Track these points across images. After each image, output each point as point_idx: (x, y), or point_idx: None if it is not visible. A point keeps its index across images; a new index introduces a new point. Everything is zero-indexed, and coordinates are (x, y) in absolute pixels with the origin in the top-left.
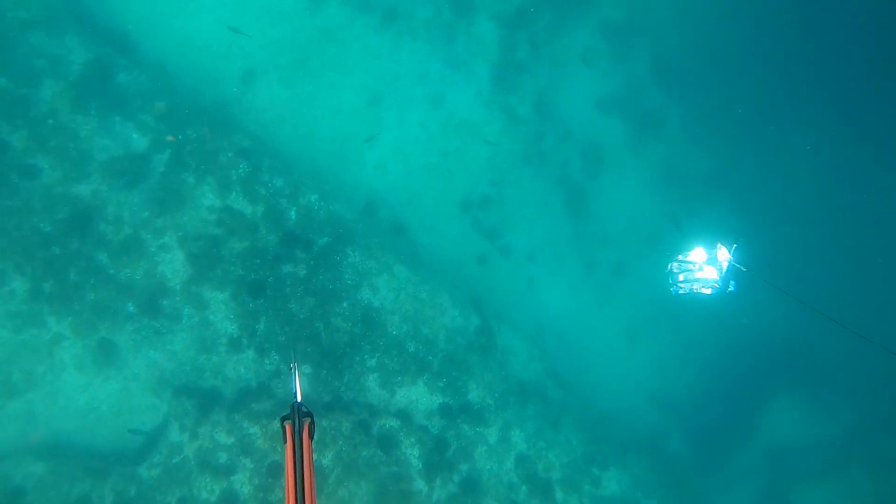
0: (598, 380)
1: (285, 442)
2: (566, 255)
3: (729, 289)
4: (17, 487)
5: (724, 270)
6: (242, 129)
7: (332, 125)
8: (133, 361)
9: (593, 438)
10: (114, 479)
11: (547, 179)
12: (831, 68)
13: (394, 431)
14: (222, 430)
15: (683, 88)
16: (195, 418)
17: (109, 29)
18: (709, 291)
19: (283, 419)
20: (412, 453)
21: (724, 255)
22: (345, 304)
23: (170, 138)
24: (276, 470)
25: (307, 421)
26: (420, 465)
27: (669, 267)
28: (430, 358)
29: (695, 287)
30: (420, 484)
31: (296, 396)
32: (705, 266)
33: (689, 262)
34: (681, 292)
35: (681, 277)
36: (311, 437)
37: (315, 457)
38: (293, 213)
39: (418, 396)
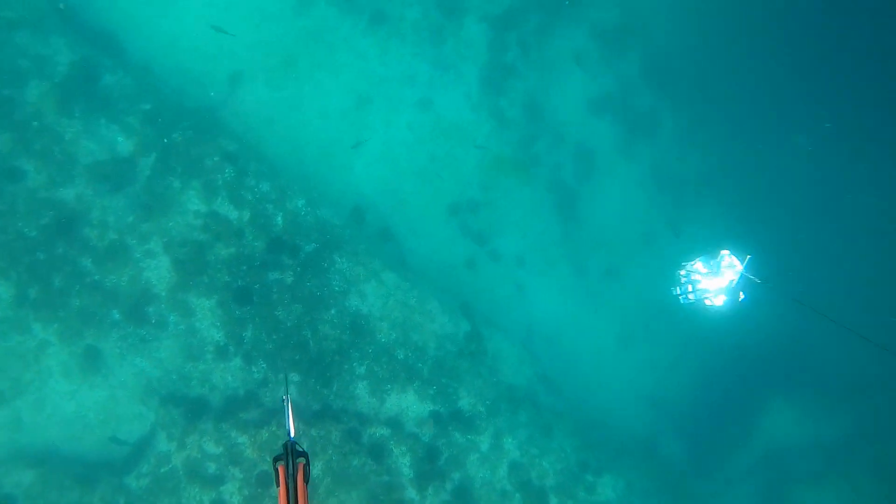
0: (591, 384)
1: (277, 486)
2: (556, 259)
3: (740, 299)
4: (6, 495)
5: (736, 281)
6: (229, 133)
7: (319, 128)
8: (119, 369)
9: (587, 444)
10: (102, 489)
11: (537, 183)
12: (825, 68)
13: (384, 440)
14: (210, 439)
15: (675, 91)
16: (183, 427)
17: (95, 29)
18: (720, 302)
19: (276, 460)
20: (403, 462)
21: (732, 263)
22: (333, 312)
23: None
24: (265, 480)
25: (301, 462)
26: (411, 474)
27: (678, 274)
28: (420, 365)
29: (705, 298)
30: (412, 493)
31: (289, 433)
32: (713, 275)
33: (697, 271)
34: (690, 301)
35: (690, 287)
36: (305, 480)
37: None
38: (280, 218)
39: (409, 404)
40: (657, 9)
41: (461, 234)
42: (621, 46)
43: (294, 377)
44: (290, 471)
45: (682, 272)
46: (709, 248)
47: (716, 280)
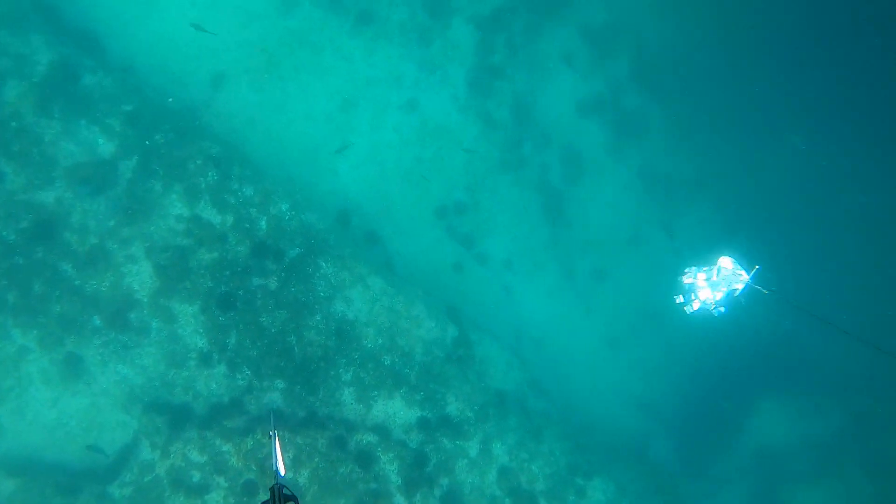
0: (580, 387)
1: None
2: (544, 262)
3: (741, 301)
4: None
5: (739, 291)
6: (212, 135)
7: (303, 131)
8: (101, 376)
9: (577, 447)
10: (85, 498)
11: (525, 185)
12: (815, 67)
13: (371, 447)
14: (194, 447)
15: (664, 92)
16: (166, 435)
17: (76, 28)
18: (722, 309)
19: None
20: (391, 469)
21: (737, 273)
22: (318, 317)
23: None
24: (250, 488)
25: None
26: (399, 481)
27: (679, 280)
28: (407, 371)
29: (708, 307)
30: (400, 500)
31: (277, 474)
32: (715, 283)
33: (698, 279)
34: (694, 310)
35: (693, 296)
36: None
37: (290, 475)
38: (263, 222)
39: (396, 410)
40: (646, 10)
41: (448, 237)
42: (610, 47)
43: (279, 384)
44: None
45: (685, 280)
46: (708, 253)
47: (718, 288)
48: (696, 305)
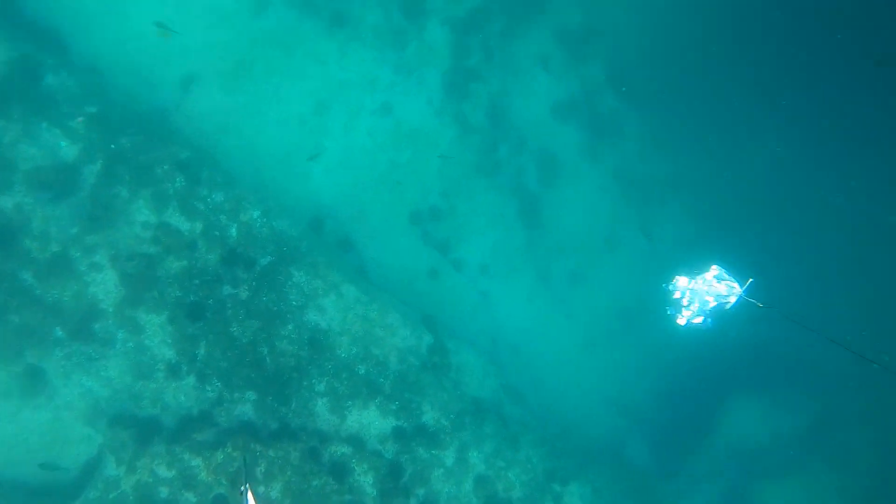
0: (557, 392)
1: None
2: (521, 267)
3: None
4: None
5: (732, 305)
6: (181, 139)
7: (276, 135)
8: (64, 389)
9: (553, 453)
10: None
11: (501, 189)
12: (792, 70)
13: (346, 458)
14: (162, 462)
15: (639, 94)
16: (133, 450)
17: (37, 25)
18: (709, 321)
19: None
20: (366, 480)
21: (731, 287)
22: (290, 327)
23: None
24: None
25: None
26: (374, 493)
27: (668, 291)
28: (382, 380)
29: (697, 317)
30: None
31: None
32: (704, 294)
33: (686, 289)
34: (683, 322)
35: (684, 309)
36: None
37: (262, 490)
38: (234, 230)
39: (370, 420)
40: (621, 12)
41: (423, 242)
42: (585, 50)
43: (250, 395)
44: None
45: (674, 292)
46: (685, 256)
47: (706, 300)
48: (685, 316)
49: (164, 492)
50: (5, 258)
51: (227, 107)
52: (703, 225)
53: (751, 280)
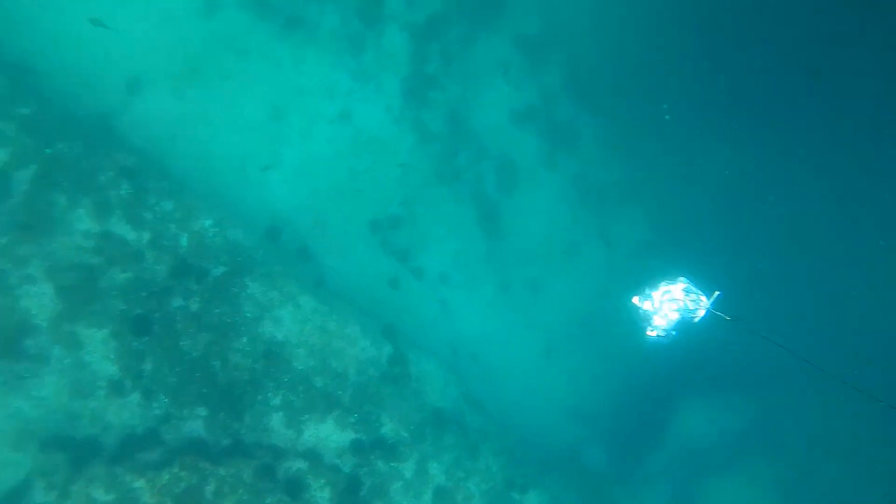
0: (517, 400)
1: None
2: (481, 275)
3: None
4: None
5: (700, 318)
6: (126, 145)
7: (230, 142)
8: None
9: (513, 462)
10: None
11: (461, 197)
12: (745, 77)
13: (301, 474)
14: (100, 485)
15: (596, 101)
16: (66, 474)
17: None
18: (674, 333)
19: None
20: (322, 496)
21: (698, 300)
22: (244, 340)
23: None
24: None
25: None
26: None
27: (636, 305)
28: (340, 392)
29: (665, 332)
30: None
31: None
32: (669, 308)
33: (655, 301)
34: (659, 336)
35: (650, 322)
36: None
37: None
38: (184, 239)
39: (328, 434)
40: (577, 20)
41: (383, 251)
42: (543, 57)
43: (201, 411)
44: None
45: (642, 305)
46: (662, 274)
47: (671, 313)
48: (655, 329)
49: None
50: None
51: (177, 112)
52: (662, 230)
53: (718, 293)
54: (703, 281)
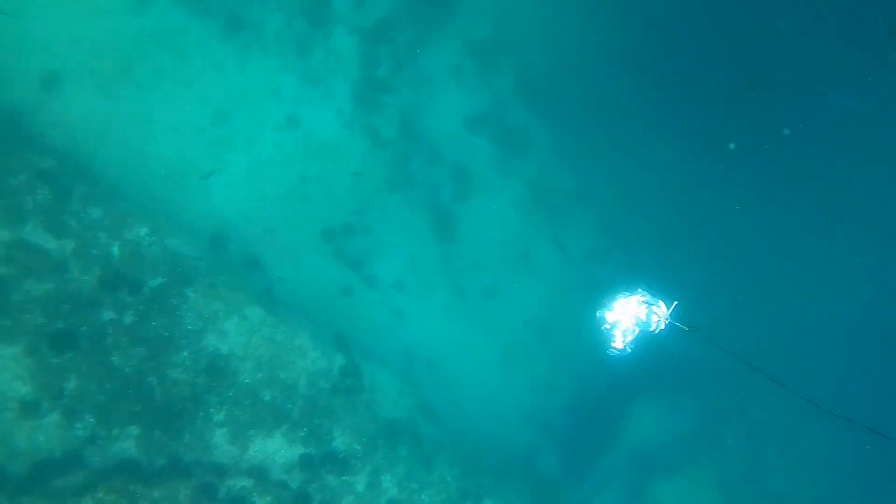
0: (473, 408)
1: None
2: (436, 282)
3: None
4: None
5: (660, 331)
6: (44, 146)
7: (167, 145)
8: None
9: (468, 472)
10: None
11: (414, 203)
12: (696, 82)
13: (246, 492)
14: None
15: (549, 107)
16: None
17: None
18: (629, 350)
19: None
20: None
21: (656, 312)
22: (185, 354)
23: None
24: None
25: None
26: None
27: (599, 317)
28: (290, 406)
29: (622, 342)
30: None
31: None
32: (631, 319)
33: (614, 315)
34: (621, 350)
35: (617, 339)
36: None
37: None
38: (116, 248)
39: (275, 449)
40: (529, 24)
41: (335, 260)
42: (496, 63)
43: (133, 430)
44: None
45: (605, 320)
46: (620, 285)
47: (630, 327)
48: (618, 342)
49: None
50: None
51: (105, 112)
52: (615, 236)
53: (676, 303)
54: (657, 287)
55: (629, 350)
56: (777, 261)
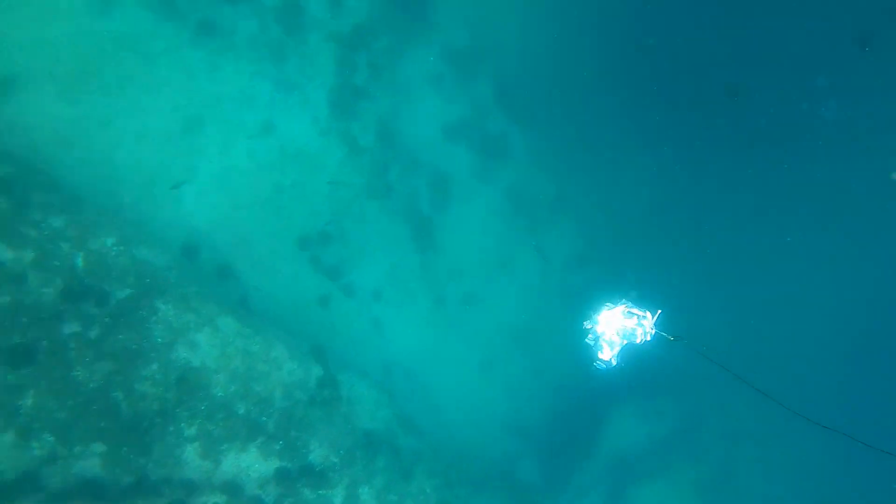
0: (452, 416)
1: None
2: (415, 291)
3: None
4: None
5: (647, 342)
6: None
7: (136, 153)
8: None
9: (447, 482)
10: None
11: (393, 211)
12: (675, 89)
13: None
14: None
15: (527, 114)
16: None
17: None
18: (614, 363)
19: None
20: None
21: (641, 323)
22: (154, 367)
23: None
24: None
25: None
26: None
27: (586, 328)
28: (265, 419)
29: (608, 357)
30: None
31: None
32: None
33: (599, 327)
34: (609, 364)
35: (604, 352)
36: None
37: None
38: (80, 260)
39: (250, 464)
40: (507, 31)
41: (312, 269)
42: (474, 70)
43: (97, 448)
44: None
45: (592, 333)
46: (604, 297)
47: (615, 341)
48: (605, 355)
49: None
50: None
51: (68, 118)
52: (594, 242)
53: (659, 311)
54: (639, 294)
55: (615, 363)
56: (756, 266)
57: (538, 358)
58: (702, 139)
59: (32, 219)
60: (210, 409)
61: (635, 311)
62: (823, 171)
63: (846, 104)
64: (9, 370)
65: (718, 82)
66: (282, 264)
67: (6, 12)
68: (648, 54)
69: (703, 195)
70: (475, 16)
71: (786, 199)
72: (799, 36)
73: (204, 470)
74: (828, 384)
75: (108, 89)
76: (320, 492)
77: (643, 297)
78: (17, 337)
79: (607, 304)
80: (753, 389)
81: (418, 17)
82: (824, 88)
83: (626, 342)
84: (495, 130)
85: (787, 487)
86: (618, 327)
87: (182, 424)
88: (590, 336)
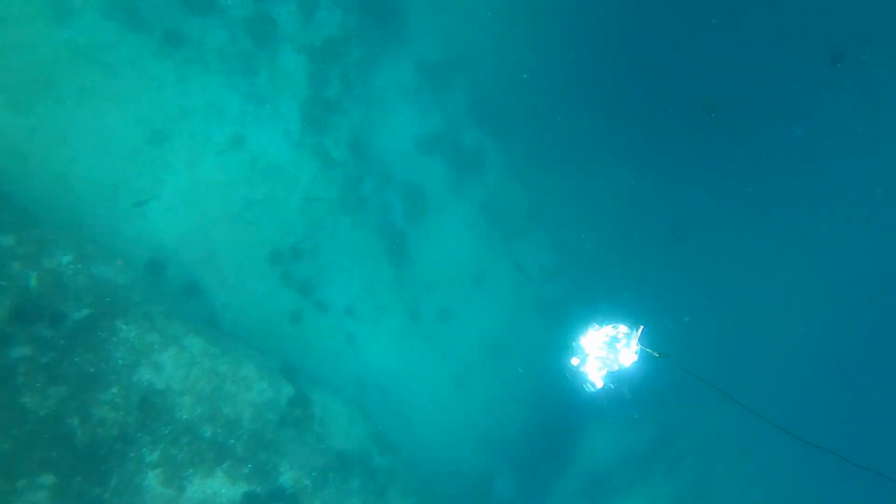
0: (427, 433)
1: None
2: (389, 306)
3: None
4: None
5: (634, 362)
6: None
7: (96, 166)
8: None
9: (423, 501)
10: None
11: (367, 226)
12: (645, 104)
13: None
14: None
15: (501, 127)
16: None
17: None
18: (601, 385)
19: None
20: None
21: (628, 343)
22: (113, 390)
23: None
24: None
25: None
26: None
27: (573, 350)
28: (233, 441)
29: (598, 381)
30: None
31: None
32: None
33: (588, 352)
34: (599, 388)
35: (594, 375)
36: None
37: None
38: (32, 279)
39: (216, 489)
40: (481, 44)
41: (283, 285)
42: (447, 82)
43: (45, 480)
44: None
45: (578, 365)
46: (590, 319)
47: (604, 362)
48: (597, 380)
49: None
50: None
51: (20, 130)
52: (569, 254)
53: (642, 327)
54: (617, 310)
55: (605, 385)
56: (730, 279)
57: (514, 372)
58: (677, 154)
59: None
60: (174, 432)
61: (622, 329)
62: (797, 187)
63: (818, 120)
64: None
65: (695, 97)
66: (252, 280)
67: None
68: (623, 69)
69: (677, 208)
70: (449, 29)
71: (760, 212)
72: (773, 52)
73: (166, 498)
74: (807, 396)
75: (64, 100)
76: None
77: (620, 310)
78: None
79: (594, 324)
80: (739, 405)
81: (391, 29)
82: (797, 105)
83: (616, 367)
84: (469, 143)
85: (764, 500)
86: (605, 353)
87: (143, 450)
88: (581, 368)
